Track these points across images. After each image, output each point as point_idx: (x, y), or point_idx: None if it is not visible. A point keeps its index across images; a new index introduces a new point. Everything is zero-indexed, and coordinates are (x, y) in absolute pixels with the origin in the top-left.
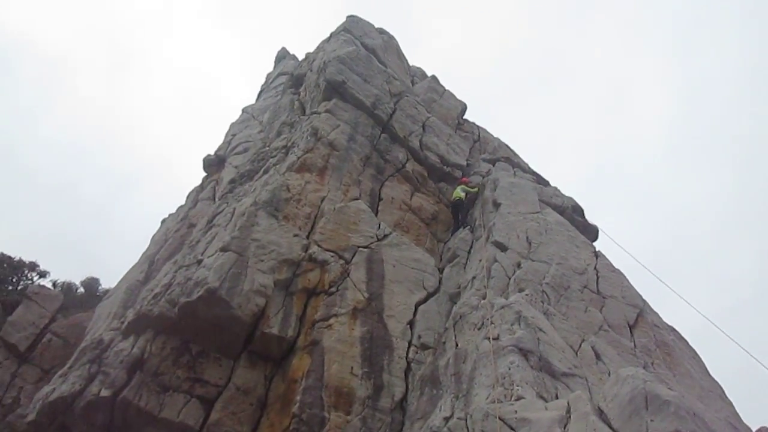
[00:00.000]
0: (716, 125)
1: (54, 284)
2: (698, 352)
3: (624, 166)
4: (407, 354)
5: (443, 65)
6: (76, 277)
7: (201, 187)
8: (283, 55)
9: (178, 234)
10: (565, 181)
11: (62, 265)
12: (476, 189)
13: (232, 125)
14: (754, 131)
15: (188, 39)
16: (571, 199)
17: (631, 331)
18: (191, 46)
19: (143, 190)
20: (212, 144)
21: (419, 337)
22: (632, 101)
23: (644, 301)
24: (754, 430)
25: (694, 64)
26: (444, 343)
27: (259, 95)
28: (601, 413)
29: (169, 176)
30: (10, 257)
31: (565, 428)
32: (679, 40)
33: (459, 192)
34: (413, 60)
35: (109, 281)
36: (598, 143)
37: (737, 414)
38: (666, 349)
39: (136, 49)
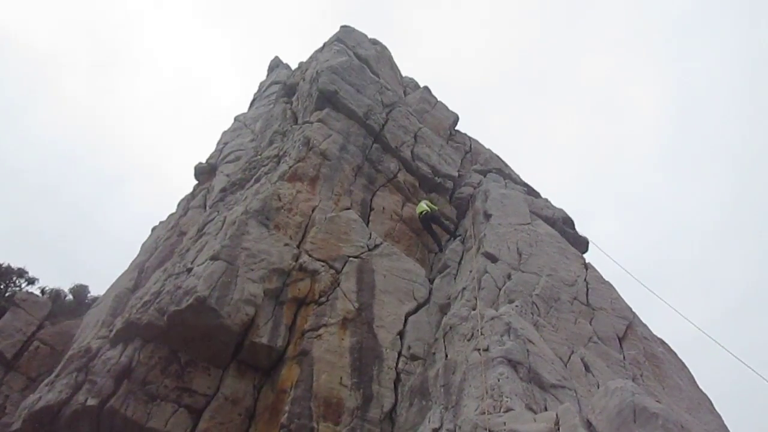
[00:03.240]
0: (711, 131)
1: (42, 291)
2: (688, 364)
3: (617, 170)
4: (397, 365)
5: (435, 71)
6: (64, 283)
7: (192, 195)
8: (276, 64)
9: (168, 242)
10: (557, 184)
11: (45, 267)
12: (437, 207)
13: (224, 133)
14: (750, 138)
15: (178, 39)
16: (561, 210)
17: (620, 343)
18: (181, 46)
19: (130, 191)
20: (201, 147)
21: (409, 347)
22: (626, 105)
23: (634, 313)
24: None
25: (689, 68)
26: (434, 354)
27: (251, 104)
28: (589, 425)
29: (157, 178)
30: None
31: None
32: (675, 42)
33: (423, 205)
34: (405, 68)
35: (97, 288)
36: (590, 147)
37: (725, 426)
38: (655, 361)
39: (125, 48)
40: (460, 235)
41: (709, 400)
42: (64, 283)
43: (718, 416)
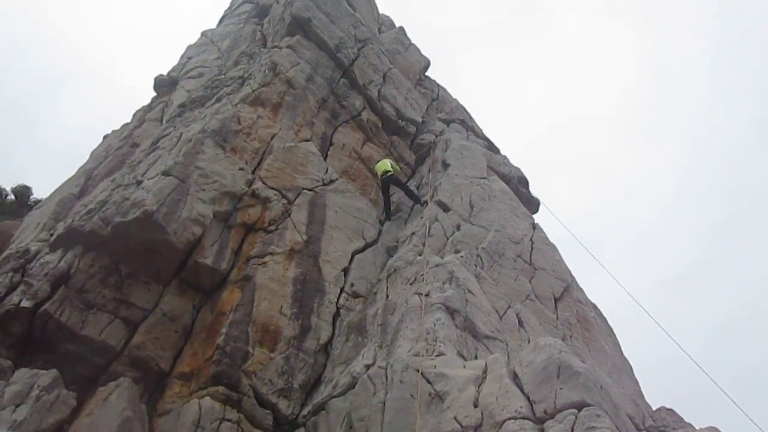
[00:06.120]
0: (674, 102)
1: None
2: (616, 330)
3: (578, 133)
4: (338, 300)
5: (412, 13)
6: (5, 183)
7: (149, 107)
8: None
9: (119, 152)
10: (517, 141)
11: None
12: (399, 170)
13: (189, 47)
14: (710, 111)
15: None
16: (518, 169)
17: (555, 304)
18: None
19: (77, 92)
20: (161, 57)
21: (352, 285)
22: (595, 67)
23: (572, 277)
24: (654, 408)
25: (660, 31)
26: (375, 293)
27: (221, 20)
28: (515, 377)
29: (107, 82)
30: None
31: (479, 387)
32: (650, 12)
33: (387, 164)
34: (382, 7)
35: (41, 192)
36: (555, 103)
37: (641, 392)
38: (585, 324)
39: None
40: (425, 202)
41: (630, 366)
42: (5, 183)
43: (636, 382)
